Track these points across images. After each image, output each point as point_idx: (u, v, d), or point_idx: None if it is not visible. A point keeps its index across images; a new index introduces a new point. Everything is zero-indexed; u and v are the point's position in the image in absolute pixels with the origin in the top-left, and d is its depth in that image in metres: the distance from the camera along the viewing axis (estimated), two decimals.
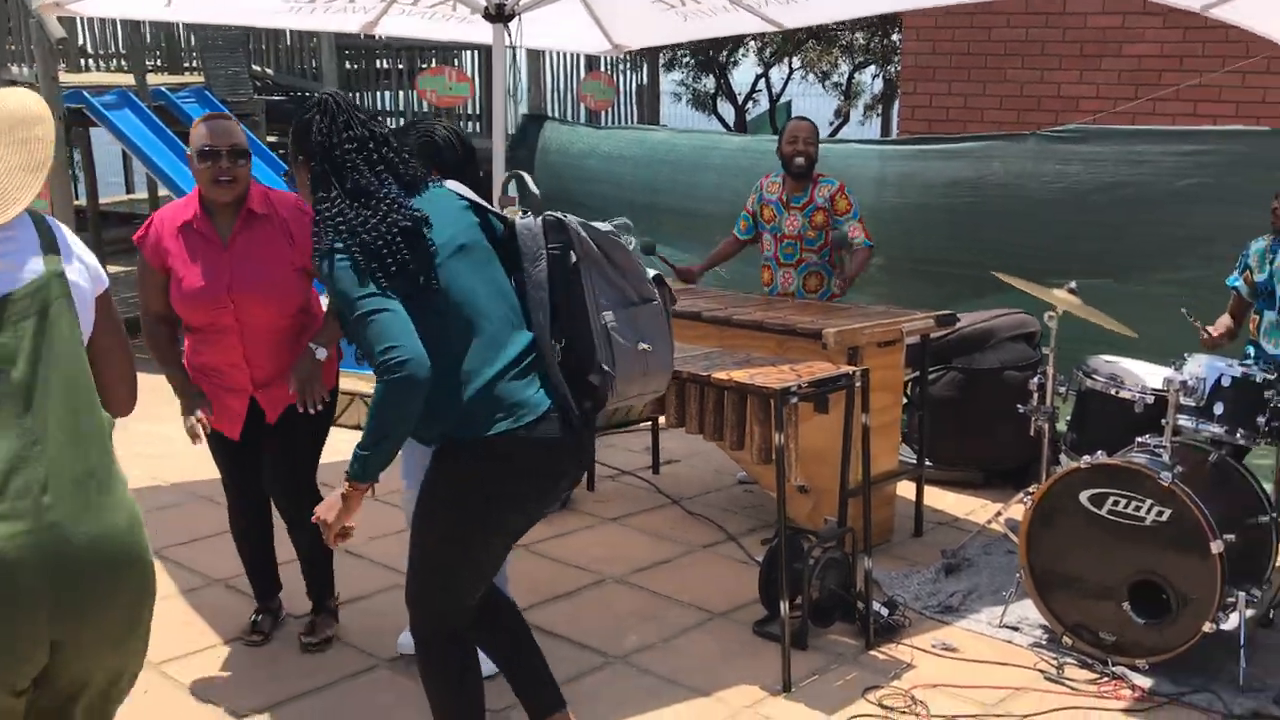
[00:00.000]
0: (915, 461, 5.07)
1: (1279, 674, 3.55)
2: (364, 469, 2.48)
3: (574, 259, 2.65)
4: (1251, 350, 4.27)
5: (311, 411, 3.41)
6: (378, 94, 12.12)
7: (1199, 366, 3.78)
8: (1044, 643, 3.85)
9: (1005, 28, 8.24)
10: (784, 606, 3.56)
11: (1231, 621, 3.63)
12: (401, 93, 11.43)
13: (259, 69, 10.80)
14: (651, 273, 2.69)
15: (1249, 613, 3.66)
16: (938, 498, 5.42)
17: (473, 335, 2.59)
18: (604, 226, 2.72)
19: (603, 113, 10.93)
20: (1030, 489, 4.41)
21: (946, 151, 6.26)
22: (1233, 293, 4.38)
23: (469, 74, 10.39)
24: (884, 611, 3.92)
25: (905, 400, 5.33)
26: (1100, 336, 4.44)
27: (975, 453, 5.60)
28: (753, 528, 5.00)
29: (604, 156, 8.15)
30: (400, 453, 3.50)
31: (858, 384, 3.74)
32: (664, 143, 7.87)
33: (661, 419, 5.14)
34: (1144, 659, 3.61)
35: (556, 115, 10.42)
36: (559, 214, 2.71)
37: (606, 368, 2.61)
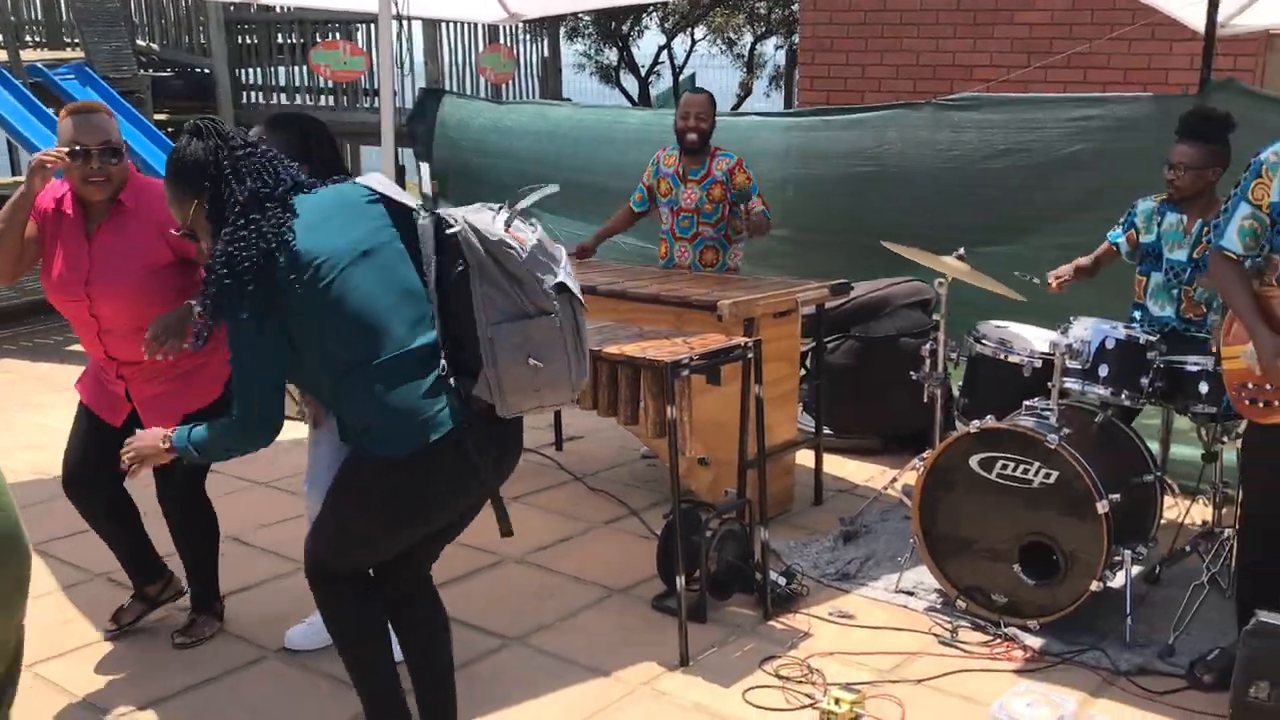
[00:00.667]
0: (814, 430, 5.09)
1: (1165, 630, 3.62)
2: (183, 454, 2.63)
3: (460, 267, 2.56)
4: (1137, 314, 4.34)
5: (160, 358, 3.18)
6: (272, 69, 11.78)
7: (1084, 330, 3.83)
8: (939, 606, 3.89)
9: None
10: (680, 581, 3.53)
11: (1119, 580, 3.71)
12: (296, 68, 11.12)
13: (144, 44, 10.41)
14: (554, 281, 2.57)
15: (1135, 570, 3.74)
16: (837, 465, 5.46)
17: (375, 346, 2.52)
18: (495, 225, 2.57)
19: (503, 86, 10.76)
20: (924, 455, 4.46)
21: (846, 122, 6.27)
22: (1109, 245, 4.40)
23: (363, 48, 10.15)
24: (781, 581, 3.93)
25: (804, 370, 5.35)
26: (995, 302, 4.49)
27: (873, 419, 5.65)
28: (655, 502, 4.97)
29: (505, 131, 8.01)
30: (307, 458, 3.44)
31: (750, 355, 3.71)
32: (567, 118, 7.76)
33: None
34: (1035, 619, 3.66)
35: (455, 89, 10.23)
36: (451, 216, 2.61)
37: (492, 381, 2.54)
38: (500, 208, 2.61)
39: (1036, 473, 3.63)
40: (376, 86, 11.18)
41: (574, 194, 7.39)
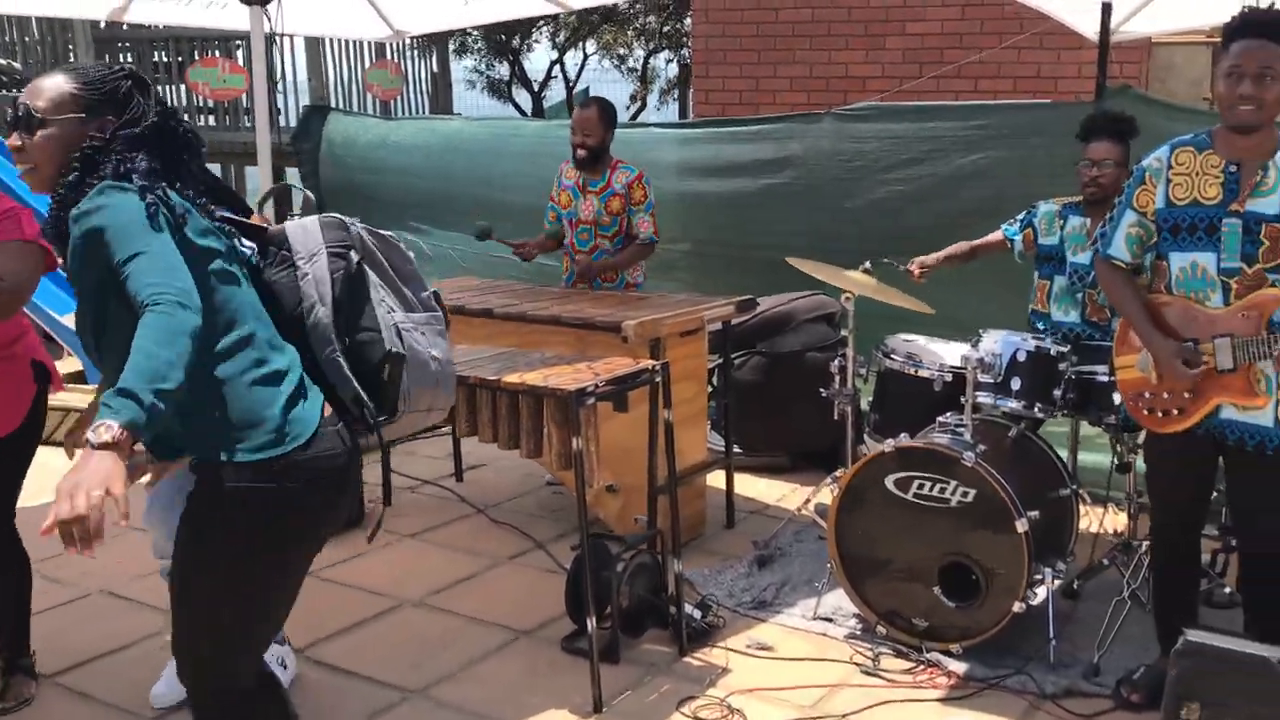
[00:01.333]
0: (724, 450, 4.94)
1: (1089, 648, 3.55)
2: (142, 413, 1.87)
3: (356, 258, 2.37)
4: (1039, 323, 4.29)
5: None
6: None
7: (994, 343, 3.75)
8: (859, 633, 3.76)
9: (792, 9, 8.24)
10: (590, 623, 3.33)
11: (1040, 595, 3.62)
12: (173, 87, 10.65)
13: (4, 62, 9.85)
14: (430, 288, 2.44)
15: (1061, 574, 3.66)
16: (748, 485, 5.32)
17: (237, 340, 2.21)
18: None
19: (392, 103, 10.46)
20: (837, 474, 4.34)
21: (746, 134, 6.15)
22: (1001, 238, 4.32)
23: (244, 65, 9.75)
24: (696, 614, 3.76)
25: (711, 388, 5.20)
26: (904, 314, 4.39)
27: (781, 437, 5.53)
28: (563, 533, 4.76)
29: (394, 148, 7.75)
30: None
31: (658, 379, 3.54)
32: (458, 132, 7.53)
33: None
34: (957, 643, 3.55)
35: (342, 106, 9.90)
36: (339, 216, 2.43)
37: (401, 382, 2.33)
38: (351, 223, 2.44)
39: (954, 492, 3.52)
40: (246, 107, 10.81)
41: (465, 207, 7.18)
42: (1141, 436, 3.49)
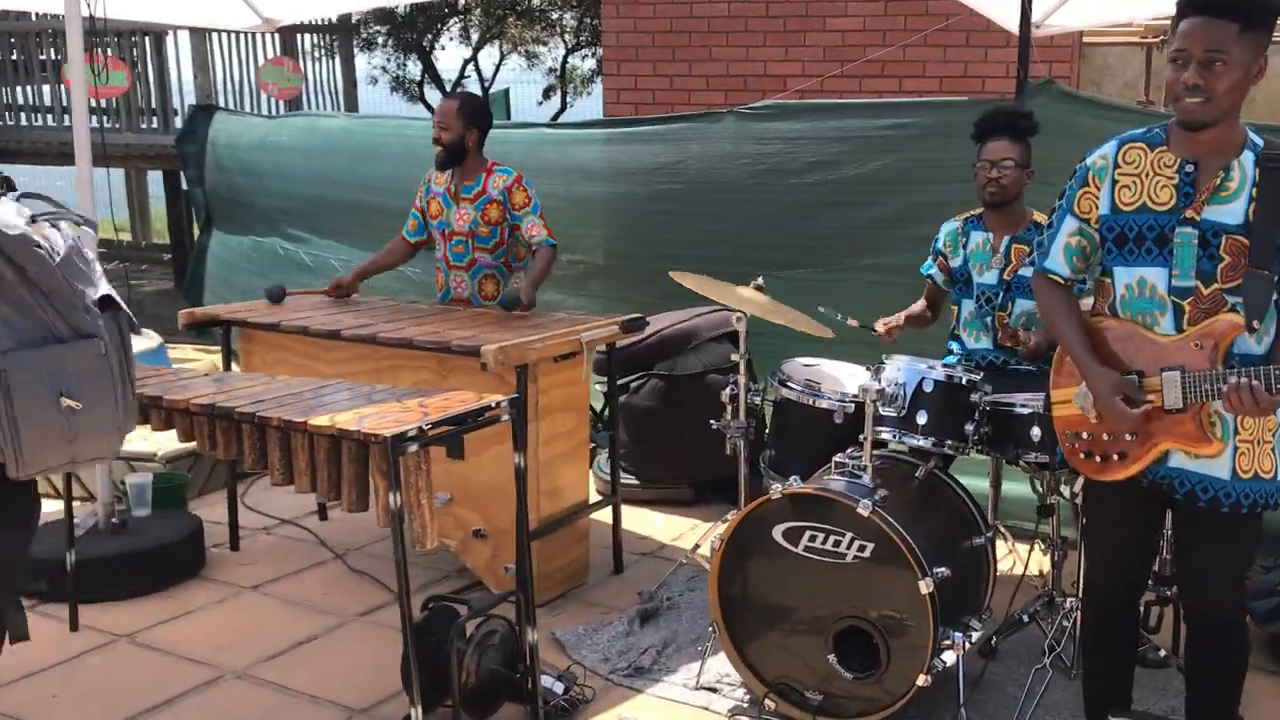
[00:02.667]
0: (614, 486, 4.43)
1: (1008, 713, 3.08)
2: None
3: None
4: (955, 346, 3.84)
5: None
6: (29, 88, 10.56)
7: (898, 371, 3.27)
8: (745, 706, 3.26)
9: (707, 3, 7.77)
10: (415, 713, 2.80)
11: (950, 658, 3.13)
12: (47, 87, 9.95)
13: None
14: (97, 295, 1.87)
15: (973, 640, 3.18)
16: (644, 522, 4.82)
17: None
18: (16, 219, 1.85)
19: (291, 103, 9.83)
20: (730, 515, 3.84)
21: (643, 135, 5.65)
22: (927, 282, 3.94)
23: (126, 60, 9.12)
24: (558, 689, 3.24)
25: (606, 416, 4.70)
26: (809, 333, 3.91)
27: (683, 467, 5.03)
28: (428, 581, 4.22)
29: (274, 149, 7.15)
30: None
31: (505, 416, 3.01)
32: (340, 129, 6.95)
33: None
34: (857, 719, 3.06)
35: (233, 107, 9.26)
36: None
37: (5, 430, 1.80)
38: (19, 195, 1.90)
39: (850, 545, 3.03)
40: (152, 105, 10.14)
41: (343, 215, 6.63)
42: (1079, 483, 3.03)
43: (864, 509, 2.96)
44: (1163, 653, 3.38)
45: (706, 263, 5.32)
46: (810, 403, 3.57)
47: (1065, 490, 3.27)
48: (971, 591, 3.29)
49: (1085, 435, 2.67)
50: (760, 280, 3.68)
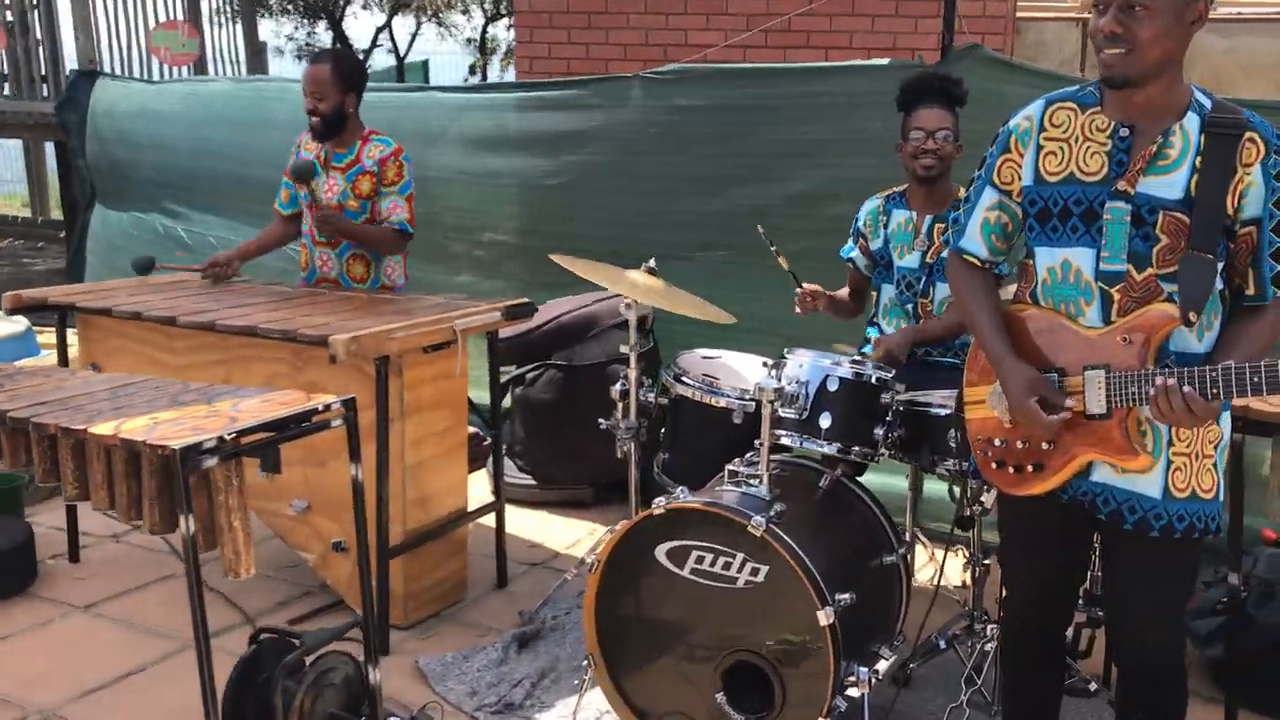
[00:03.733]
0: (507, 488, 4.00)
1: None
2: None
3: None
4: (874, 334, 3.47)
5: None
6: None
7: (799, 367, 2.87)
8: None
9: None
10: None
11: (855, 699, 2.75)
12: None
13: None
14: None
15: (880, 673, 2.80)
16: (539, 526, 4.41)
17: None
18: None
19: (186, 70, 9.19)
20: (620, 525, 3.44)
21: (542, 100, 5.20)
22: (848, 267, 3.58)
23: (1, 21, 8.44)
24: None
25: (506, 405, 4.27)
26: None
27: (582, 466, 4.62)
28: (291, 597, 3.77)
29: (153, 117, 6.59)
30: None
31: (338, 422, 2.57)
32: (222, 94, 6.40)
33: None
34: None
35: (122, 73, 8.63)
36: None
37: None
38: None
39: (741, 567, 2.63)
40: (3, 70, 9.36)
41: (225, 190, 6.10)
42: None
43: (756, 527, 2.56)
44: (1093, 685, 3.04)
45: (612, 242, 4.93)
46: (707, 400, 3.17)
47: (986, 499, 2.90)
48: (881, 615, 2.91)
49: (998, 442, 2.29)
50: (652, 263, 3.26)
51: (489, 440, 4.50)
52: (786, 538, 2.57)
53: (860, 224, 3.52)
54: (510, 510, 4.13)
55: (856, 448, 2.85)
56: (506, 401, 4.71)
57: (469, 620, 3.64)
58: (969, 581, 3.15)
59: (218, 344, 3.61)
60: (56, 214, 13.28)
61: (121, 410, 2.47)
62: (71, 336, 4.08)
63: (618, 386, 3.37)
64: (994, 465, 2.29)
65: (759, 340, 3.99)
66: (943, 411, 2.88)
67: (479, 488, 4.49)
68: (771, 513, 2.62)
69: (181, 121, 6.41)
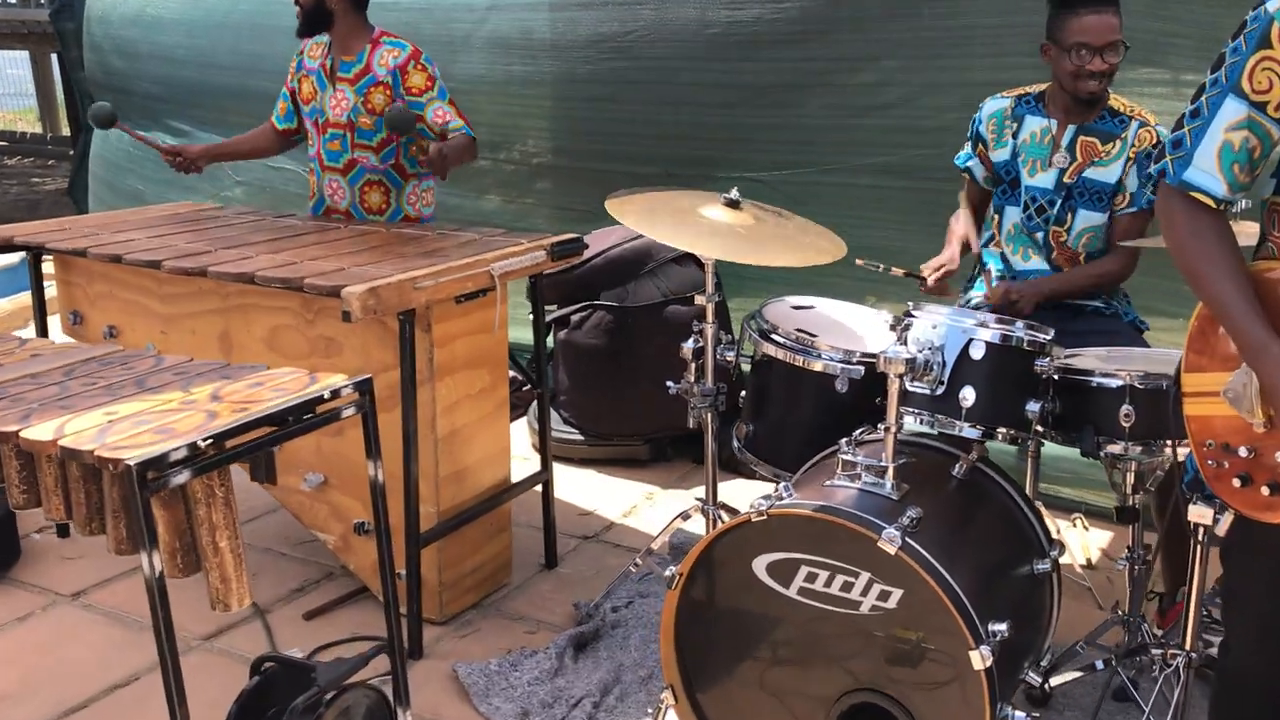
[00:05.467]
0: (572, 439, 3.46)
1: None
2: None
3: None
4: (995, 264, 2.88)
5: None
6: None
7: (933, 328, 2.27)
8: None
9: None
10: None
11: None
12: None
13: None
14: None
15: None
16: (589, 490, 3.89)
17: None
18: None
19: None
20: (701, 500, 2.89)
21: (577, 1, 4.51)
22: (964, 177, 2.97)
23: None
24: None
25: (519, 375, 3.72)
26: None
27: (638, 419, 4.07)
28: (303, 585, 3.26)
29: (151, 24, 5.95)
30: None
31: (350, 411, 2.00)
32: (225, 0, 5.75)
33: None
34: None
35: None
36: None
37: None
38: None
39: (866, 590, 2.07)
40: None
41: (231, 105, 5.49)
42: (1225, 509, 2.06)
43: (889, 542, 1.99)
44: None
45: (661, 162, 4.30)
46: (802, 363, 2.57)
47: (1221, 522, 2.29)
48: (1030, 635, 2.34)
49: (1244, 451, 1.69)
50: (734, 193, 2.63)
51: (529, 386, 3.96)
52: (927, 554, 2.00)
53: (981, 127, 2.92)
54: (556, 468, 3.59)
55: (1005, 429, 2.26)
56: (549, 343, 4.16)
57: (514, 611, 3.12)
58: (1128, 584, 2.58)
59: (214, 290, 3.05)
60: (68, 130, 12.71)
61: (70, 401, 1.92)
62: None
63: (690, 343, 2.77)
64: (1234, 481, 1.69)
65: (842, 275, 3.38)
66: (1112, 382, 2.28)
67: (519, 441, 3.96)
68: (905, 520, 2.05)
69: (181, 28, 5.78)
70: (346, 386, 1.97)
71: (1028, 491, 2.90)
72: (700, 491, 3.03)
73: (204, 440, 1.71)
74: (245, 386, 1.96)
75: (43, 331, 3.50)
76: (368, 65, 3.41)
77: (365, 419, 2.01)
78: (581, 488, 3.89)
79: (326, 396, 1.93)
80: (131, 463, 1.63)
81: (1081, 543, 3.48)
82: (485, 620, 3.07)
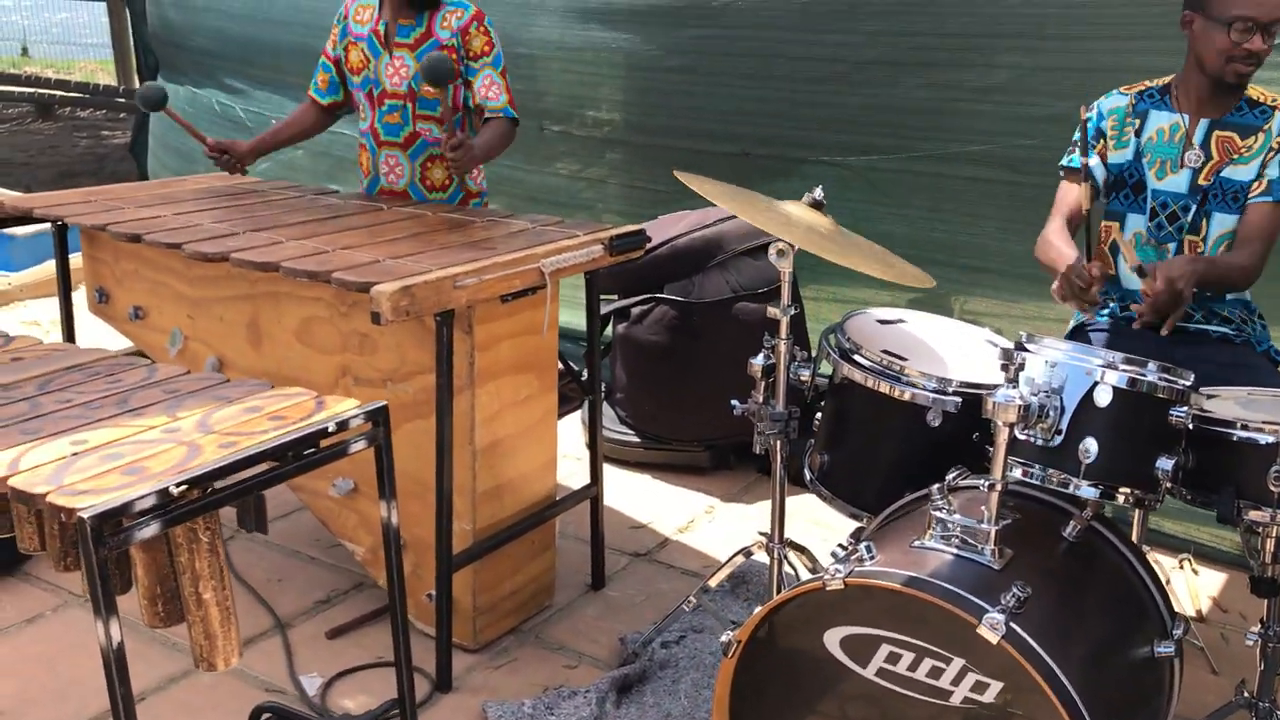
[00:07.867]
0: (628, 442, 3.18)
1: None
2: None
3: None
4: (1129, 234, 2.52)
5: None
6: None
7: (1049, 367, 1.92)
8: None
9: None
10: None
11: None
12: None
13: None
14: None
15: None
16: (644, 498, 3.59)
17: None
18: None
19: None
20: (765, 535, 2.57)
21: None
22: (1082, 183, 2.59)
23: None
24: None
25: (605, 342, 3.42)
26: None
27: (697, 424, 3.76)
28: (329, 596, 3.02)
29: None
30: None
31: (360, 444, 1.72)
32: None
33: None
34: None
35: None
36: None
37: None
38: None
39: (959, 679, 1.75)
40: None
41: (294, 66, 5.21)
42: None
43: (991, 628, 1.66)
44: None
45: (741, 141, 3.97)
46: (889, 391, 2.24)
47: None
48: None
49: None
50: (818, 193, 2.29)
51: (582, 377, 3.66)
52: (1034, 644, 1.67)
53: (1102, 123, 2.54)
54: (608, 471, 3.30)
55: (1128, 488, 1.91)
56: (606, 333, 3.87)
57: (555, 640, 2.85)
58: (1259, 662, 2.22)
59: (242, 275, 2.79)
60: (139, 84, 12.64)
61: (37, 424, 1.66)
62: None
63: (760, 359, 2.44)
64: None
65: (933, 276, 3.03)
66: (1261, 438, 1.91)
67: (571, 439, 3.68)
68: (1009, 600, 1.72)
69: None
70: (355, 415, 1.68)
71: (1134, 537, 2.55)
72: (765, 508, 2.72)
73: (178, 485, 1.44)
74: (240, 411, 1.68)
75: (66, 308, 3.28)
76: (429, 29, 3.11)
77: (379, 453, 1.72)
78: (635, 495, 3.60)
79: (332, 430, 1.64)
80: (86, 515, 1.36)
81: (1189, 587, 3.12)
82: (523, 649, 2.80)
